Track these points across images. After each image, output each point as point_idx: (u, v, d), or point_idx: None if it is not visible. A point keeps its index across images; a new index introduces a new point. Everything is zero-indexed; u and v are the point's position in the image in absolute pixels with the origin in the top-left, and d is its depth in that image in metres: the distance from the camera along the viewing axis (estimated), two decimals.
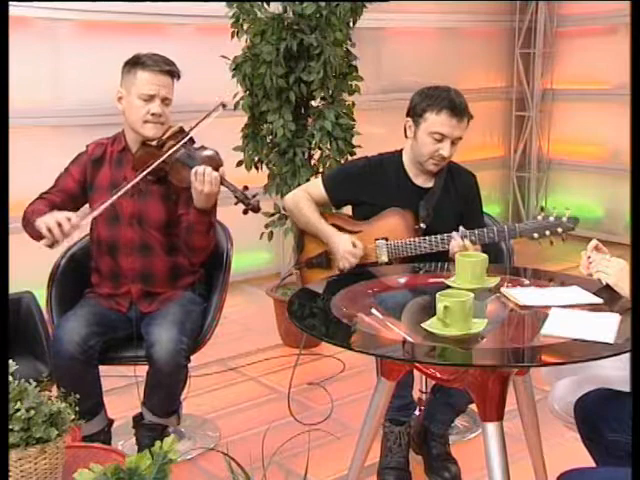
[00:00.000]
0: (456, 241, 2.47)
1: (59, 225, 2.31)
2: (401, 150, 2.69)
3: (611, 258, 2.08)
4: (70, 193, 2.57)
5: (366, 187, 2.65)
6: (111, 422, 2.57)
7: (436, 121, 2.50)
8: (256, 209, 2.45)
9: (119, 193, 2.40)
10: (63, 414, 1.54)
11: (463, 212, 2.66)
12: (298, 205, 2.72)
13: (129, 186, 2.42)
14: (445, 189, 2.64)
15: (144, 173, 2.42)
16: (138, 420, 2.57)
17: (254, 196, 2.42)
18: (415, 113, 2.56)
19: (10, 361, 1.55)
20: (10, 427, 1.47)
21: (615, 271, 2.03)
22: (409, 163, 2.66)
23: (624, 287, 1.97)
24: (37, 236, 2.39)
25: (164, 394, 2.49)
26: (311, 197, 2.72)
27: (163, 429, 2.55)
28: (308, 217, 2.70)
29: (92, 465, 1.41)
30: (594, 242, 2.14)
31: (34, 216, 2.40)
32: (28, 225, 2.44)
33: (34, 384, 1.55)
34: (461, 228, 2.50)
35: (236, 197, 2.42)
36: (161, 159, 2.44)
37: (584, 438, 1.98)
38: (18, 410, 1.48)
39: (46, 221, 2.33)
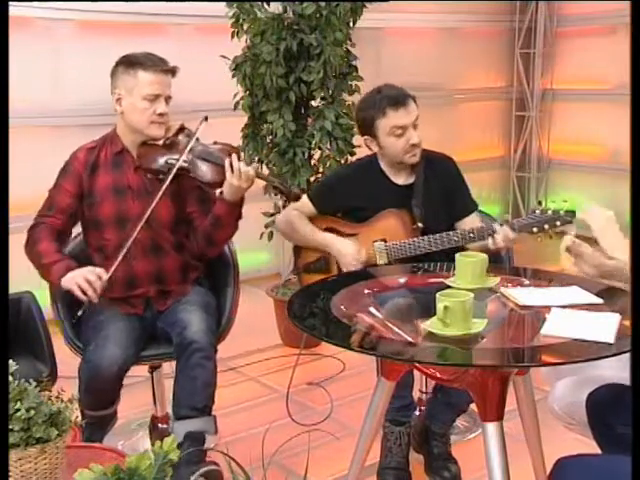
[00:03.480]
0: (501, 233, 2.43)
1: (90, 283, 2.33)
2: (375, 153, 2.69)
3: (596, 210, 1.90)
4: (69, 211, 2.53)
5: (352, 193, 2.65)
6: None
7: (388, 121, 2.52)
8: (299, 196, 2.51)
9: (155, 201, 2.43)
10: (63, 414, 1.54)
11: (451, 200, 2.65)
12: (291, 224, 2.70)
13: (165, 186, 2.43)
14: (427, 182, 2.63)
15: (172, 175, 2.44)
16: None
17: (291, 185, 2.45)
18: (367, 129, 2.59)
19: (10, 361, 1.55)
20: (10, 427, 1.46)
21: (599, 222, 1.84)
22: (386, 166, 2.67)
23: (610, 241, 1.83)
24: (50, 279, 2.43)
25: (199, 380, 2.38)
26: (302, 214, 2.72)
27: (203, 439, 2.41)
28: (302, 232, 2.68)
29: (92, 465, 1.41)
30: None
31: (46, 258, 2.42)
32: (37, 264, 2.45)
33: (34, 384, 1.55)
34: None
35: (275, 188, 2.46)
36: (183, 156, 2.46)
37: (595, 432, 1.96)
38: (18, 410, 1.48)
39: (77, 282, 2.33)
